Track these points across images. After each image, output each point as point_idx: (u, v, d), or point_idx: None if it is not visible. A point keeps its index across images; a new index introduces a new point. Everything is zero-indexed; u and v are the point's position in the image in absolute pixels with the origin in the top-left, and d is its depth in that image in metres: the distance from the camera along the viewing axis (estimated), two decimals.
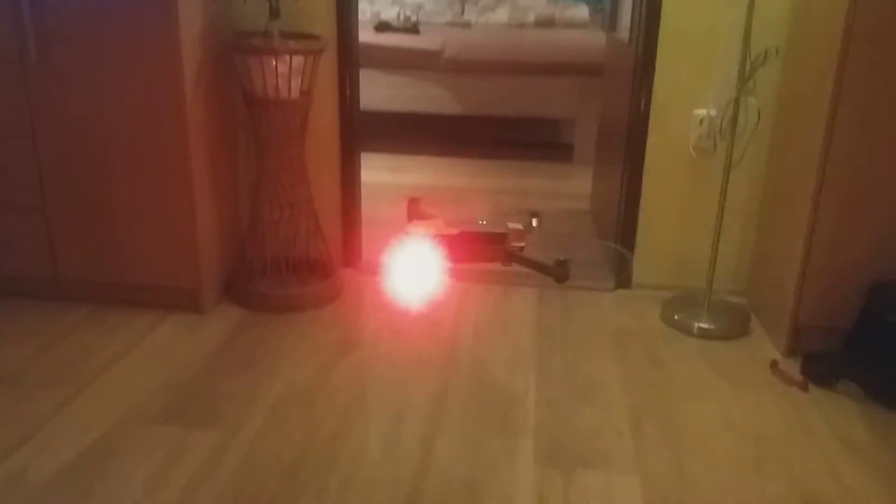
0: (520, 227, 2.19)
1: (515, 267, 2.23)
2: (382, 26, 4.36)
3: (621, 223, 2.43)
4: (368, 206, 2.66)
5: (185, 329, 2.11)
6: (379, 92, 4.06)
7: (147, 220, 2.11)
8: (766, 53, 2.01)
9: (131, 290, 2.22)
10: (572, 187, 3.64)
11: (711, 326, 2.17)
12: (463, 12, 5.21)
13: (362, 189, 2.58)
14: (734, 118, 2.06)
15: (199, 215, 2.11)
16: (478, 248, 2.20)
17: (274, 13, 2.10)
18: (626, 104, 2.39)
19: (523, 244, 2.18)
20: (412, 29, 4.36)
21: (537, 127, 4.55)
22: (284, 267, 2.28)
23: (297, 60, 2.08)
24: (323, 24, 2.32)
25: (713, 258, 2.21)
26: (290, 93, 2.11)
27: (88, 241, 2.16)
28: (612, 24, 3.04)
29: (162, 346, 2.01)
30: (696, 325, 2.17)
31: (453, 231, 2.16)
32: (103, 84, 1.99)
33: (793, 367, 1.96)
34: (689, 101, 2.25)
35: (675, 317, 2.22)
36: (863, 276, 1.91)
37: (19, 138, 2.07)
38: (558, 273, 2.19)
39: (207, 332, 2.10)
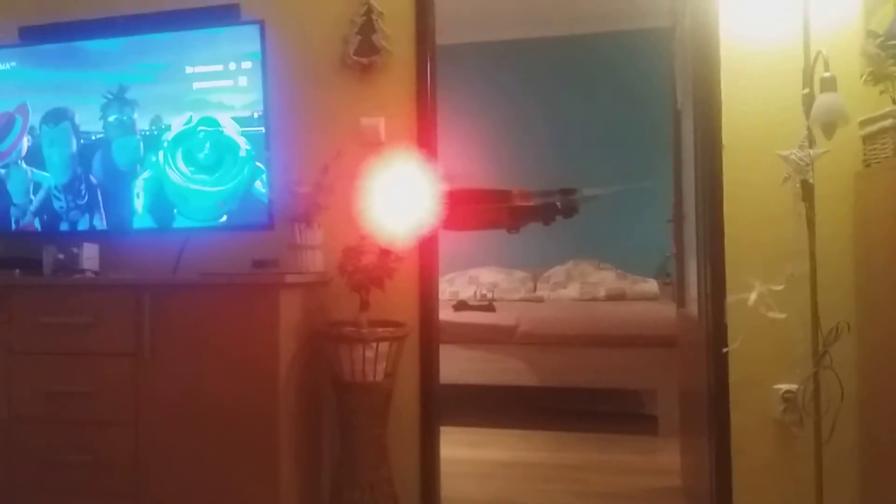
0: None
1: None
2: (460, 305, 4.63)
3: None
4: (447, 484, 2.62)
5: None
6: (457, 366, 4.18)
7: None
8: (837, 329, 2.04)
9: None
10: (660, 462, 3.49)
11: None
12: (535, 289, 5.51)
13: (440, 465, 2.58)
14: (816, 393, 2.04)
15: (283, 501, 2.13)
16: (479, 208, 1.98)
17: (364, 304, 2.30)
18: (704, 378, 2.40)
19: (532, 203, 1.99)
20: (488, 306, 4.61)
21: (618, 398, 4.51)
22: None
23: (384, 346, 2.24)
24: (407, 310, 2.51)
25: None
26: (375, 376, 2.23)
27: None
28: (680, 299, 3.15)
29: None
30: None
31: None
32: (204, 373, 2.17)
33: None
34: (767, 375, 2.25)
35: None
36: None
37: (123, 426, 2.22)
38: (565, 205, 1.91)
39: None
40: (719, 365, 2.29)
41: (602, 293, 5.22)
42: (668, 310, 4.07)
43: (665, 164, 3.40)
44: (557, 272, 5.60)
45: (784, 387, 2.22)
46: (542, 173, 5.63)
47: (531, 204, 2.05)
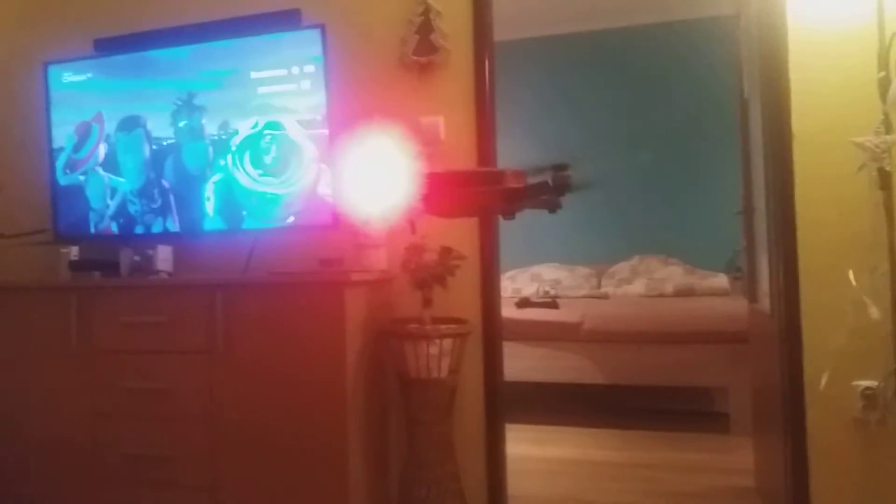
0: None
1: None
2: (523, 302, 4.61)
3: None
4: (513, 482, 2.62)
5: None
6: (522, 363, 4.17)
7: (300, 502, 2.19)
8: None
9: None
10: (733, 461, 3.40)
11: None
12: (599, 285, 5.44)
13: (507, 463, 2.57)
14: None
15: (352, 497, 2.17)
16: (469, 192, 1.82)
17: (427, 302, 2.32)
18: (777, 374, 2.33)
19: (524, 186, 1.81)
20: (551, 303, 4.58)
21: (687, 395, 4.41)
22: None
23: (447, 343, 2.25)
24: (469, 307, 2.52)
25: None
26: (439, 372, 2.25)
27: None
28: (751, 294, 3.06)
29: None
30: None
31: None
32: (274, 368, 2.22)
33: None
34: (845, 371, 2.16)
35: None
36: None
37: (197, 421, 2.30)
38: (558, 184, 1.72)
39: None
40: (794, 361, 2.22)
41: (669, 289, 5.11)
42: (738, 305, 3.96)
43: (733, 155, 3.31)
44: (622, 268, 5.51)
45: (864, 383, 2.13)
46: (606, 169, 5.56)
47: (525, 185, 1.88)
